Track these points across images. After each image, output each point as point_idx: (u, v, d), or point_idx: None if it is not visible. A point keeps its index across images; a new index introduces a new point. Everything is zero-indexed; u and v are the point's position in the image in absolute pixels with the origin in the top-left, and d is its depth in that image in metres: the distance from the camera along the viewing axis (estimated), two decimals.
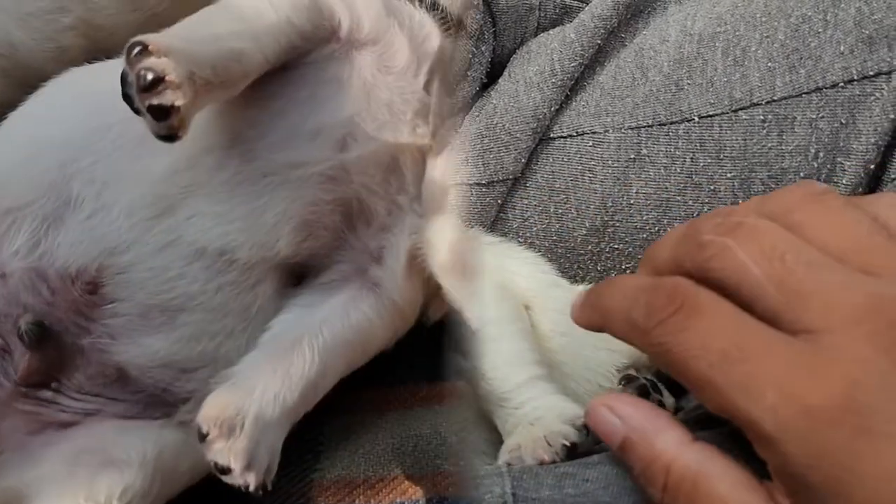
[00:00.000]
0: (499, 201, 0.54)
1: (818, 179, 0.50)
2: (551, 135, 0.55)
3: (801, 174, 0.50)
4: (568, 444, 0.38)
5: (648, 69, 0.54)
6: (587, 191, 0.54)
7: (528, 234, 0.55)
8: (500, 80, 0.58)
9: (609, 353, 0.48)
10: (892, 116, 0.48)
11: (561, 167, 0.55)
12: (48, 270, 0.38)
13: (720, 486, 0.25)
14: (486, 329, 0.43)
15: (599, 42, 0.55)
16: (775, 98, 0.51)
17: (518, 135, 0.54)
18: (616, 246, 0.54)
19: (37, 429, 0.38)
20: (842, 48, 0.49)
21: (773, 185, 0.51)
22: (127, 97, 0.32)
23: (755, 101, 0.51)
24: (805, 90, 0.50)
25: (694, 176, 0.52)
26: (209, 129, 0.38)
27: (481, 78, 0.57)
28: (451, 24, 0.40)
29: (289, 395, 0.36)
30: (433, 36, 0.40)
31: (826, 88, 0.49)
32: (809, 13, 0.50)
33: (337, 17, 0.39)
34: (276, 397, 0.36)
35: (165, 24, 0.35)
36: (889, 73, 0.48)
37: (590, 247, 0.54)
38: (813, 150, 0.50)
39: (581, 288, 0.53)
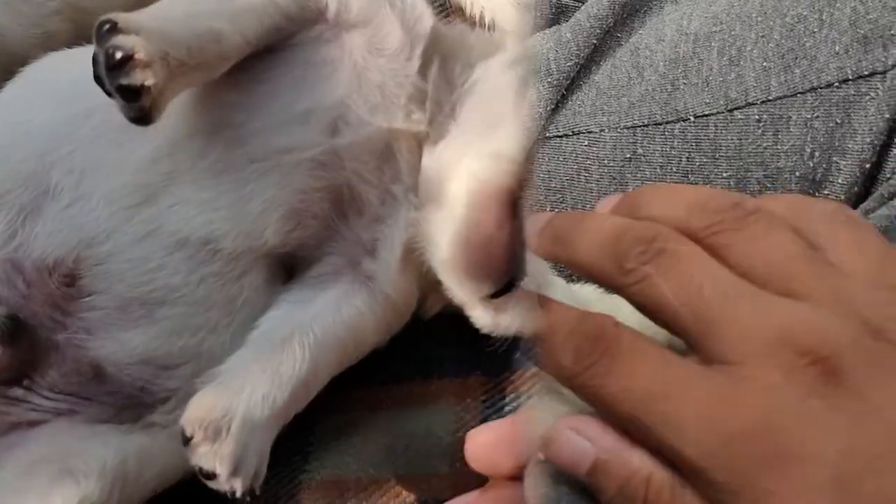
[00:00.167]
0: None
1: (814, 179, 0.50)
2: (547, 134, 0.54)
3: (797, 173, 0.50)
4: None
5: (644, 68, 0.53)
6: (583, 190, 0.53)
7: None
8: None
9: None
10: (887, 116, 0.48)
11: (557, 166, 0.54)
12: (24, 262, 0.36)
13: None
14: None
15: (595, 42, 0.54)
16: (770, 98, 0.50)
17: None
18: None
19: (3, 430, 0.37)
20: (837, 48, 0.49)
21: (768, 185, 0.51)
22: (98, 79, 0.31)
23: (750, 100, 0.51)
24: (800, 90, 0.50)
25: (690, 175, 0.52)
26: (192, 114, 0.36)
27: None
28: (449, 10, 0.39)
29: (278, 396, 0.34)
30: (425, 17, 0.39)
31: (821, 88, 0.49)
32: (805, 13, 0.50)
33: None
34: (266, 398, 0.34)
35: None
36: (884, 72, 0.47)
37: None
38: (808, 150, 0.50)
39: (577, 287, 0.52)
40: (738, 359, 0.26)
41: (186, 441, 0.33)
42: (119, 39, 0.30)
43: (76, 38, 0.44)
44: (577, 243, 0.29)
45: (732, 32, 0.52)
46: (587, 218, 0.30)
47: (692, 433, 0.25)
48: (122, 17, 0.30)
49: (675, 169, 0.52)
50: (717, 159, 0.52)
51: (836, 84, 0.49)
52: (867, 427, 0.24)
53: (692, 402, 0.26)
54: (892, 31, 0.48)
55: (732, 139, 0.51)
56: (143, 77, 0.30)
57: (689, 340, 0.27)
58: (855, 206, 0.49)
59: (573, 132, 0.54)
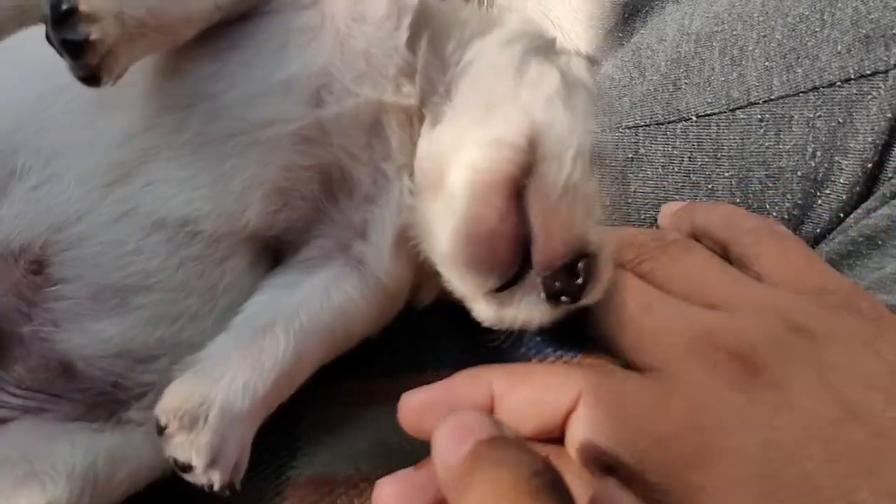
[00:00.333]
0: None
1: (815, 178, 0.49)
2: None
3: (799, 173, 0.49)
4: None
5: (646, 68, 0.53)
6: None
7: None
8: None
9: None
10: (889, 115, 0.47)
11: None
12: None
13: None
14: None
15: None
16: (772, 97, 0.50)
17: None
18: None
19: None
20: (839, 47, 0.49)
21: (770, 184, 0.50)
22: (48, 37, 0.29)
23: (752, 100, 0.50)
24: (802, 89, 0.49)
25: (692, 175, 0.51)
26: (167, 87, 0.34)
27: None
28: None
29: (260, 385, 0.32)
30: None
31: (823, 87, 0.49)
32: (806, 12, 0.50)
33: None
34: (246, 386, 0.32)
35: None
36: (886, 72, 0.47)
37: None
38: (810, 150, 0.49)
39: None
40: (664, 363, 0.27)
41: (161, 431, 0.30)
42: None
43: None
44: None
45: (734, 32, 0.52)
46: None
47: (628, 440, 0.27)
48: None
49: (676, 169, 0.51)
50: (718, 159, 0.51)
51: (839, 83, 0.49)
52: (784, 418, 0.25)
53: (629, 410, 0.27)
54: (893, 31, 0.48)
55: (734, 139, 0.51)
56: (87, 31, 0.28)
57: (629, 358, 0.29)
58: (857, 206, 0.48)
59: None
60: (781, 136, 0.50)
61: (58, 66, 0.32)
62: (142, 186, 0.34)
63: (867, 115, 0.48)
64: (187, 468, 0.30)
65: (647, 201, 0.51)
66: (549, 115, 0.33)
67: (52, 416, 0.35)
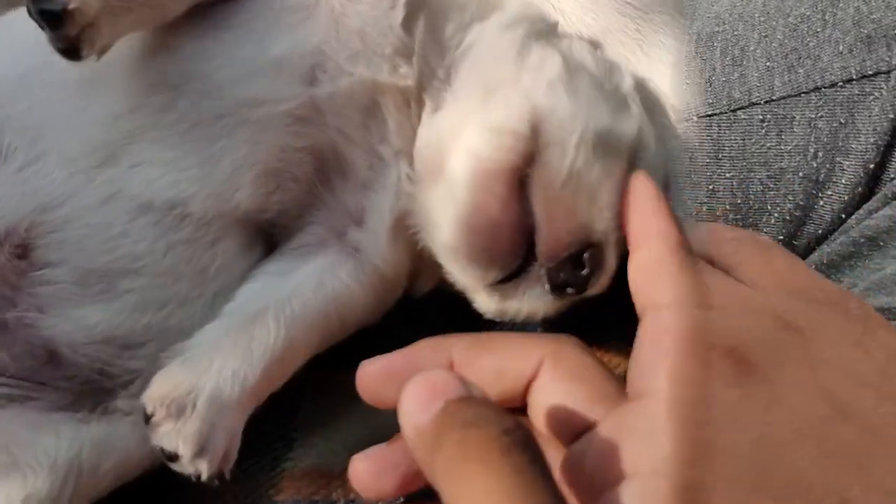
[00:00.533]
0: None
1: (817, 179, 0.49)
2: None
3: (800, 174, 0.49)
4: None
5: None
6: None
7: None
8: None
9: None
10: (891, 116, 0.47)
11: None
12: None
13: None
14: None
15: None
16: (774, 98, 0.50)
17: None
18: None
19: None
20: (840, 48, 0.49)
21: (771, 185, 0.49)
22: (28, 9, 0.29)
23: (754, 100, 0.50)
24: (804, 90, 0.49)
25: (693, 175, 0.51)
26: (155, 66, 0.34)
27: None
28: None
29: (250, 373, 0.31)
30: None
31: (825, 88, 0.49)
32: (808, 13, 0.50)
33: None
34: (236, 375, 0.31)
35: None
36: (888, 72, 0.47)
37: None
38: (812, 150, 0.49)
39: None
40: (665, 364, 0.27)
41: (147, 419, 0.30)
42: None
43: None
44: None
45: (735, 32, 0.52)
46: None
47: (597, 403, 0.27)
48: None
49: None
50: (720, 159, 0.51)
51: (840, 84, 0.48)
52: (776, 415, 0.25)
53: (591, 375, 0.28)
54: (895, 31, 0.48)
55: (736, 139, 0.51)
56: (65, 1, 0.28)
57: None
58: (858, 207, 0.48)
59: None
60: (783, 137, 0.50)
61: (44, 44, 0.31)
62: (128, 168, 0.33)
63: (869, 116, 0.48)
64: (174, 457, 0.29)
65: None
66: (552, 100, 0.32)
67: (38, 404, 0.34)
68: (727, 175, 0.50)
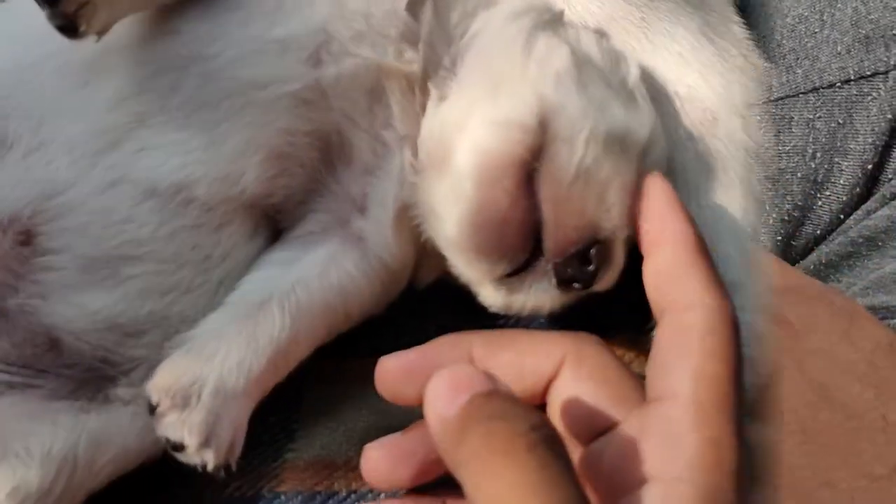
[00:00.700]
0: None
1: (815, 179, 0.49)
2: None
3: (799, 174, 0.49)
4: None
5: None
6: None
7: None
8: None
9: None
10: (889, 116, 0.48)
11: None
12: None
13: None
14: None
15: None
16: (772, 98, 0.50)
17: None
18: None
19: None
20: (839, 48, 0.49)
21: (769, 186, 0.50)
22: None
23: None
24: (802, 90, 0.50)
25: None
26: (159, 48, 0.33)
27: None
28: None
29: (255, 363, 0.31)
30: None
31: (823, 88, 0.49)
32: (806, 13, 0.50)
33: None
34: (241, 365, 0.31)
35: None
36: (886, 72, 0.48)
37: None
38: (810, 151, 0.49)
39: None
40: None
41: (152, 410, 0.29)
42: None
43: None
44: None
45: None
46: None
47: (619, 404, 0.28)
48: None
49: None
50: None
51: (838, 84, 0.49)
52: None
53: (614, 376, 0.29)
54: (893, 31, 0.48)
55: None
56: None
57: None
58: (857, 207, 0.48)
59: None
60: (781, 138, 0.50)
61: (49, 33, 0.31)
62: (133, 152, 0.33)
63: (867, 116, 0.48)
64: (180, 447, 0.29)
65: None
66: (560, 94, 0.32)
67: (38, 393, 0.33)
68: None
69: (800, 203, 0.49)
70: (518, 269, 0.32)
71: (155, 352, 0.32)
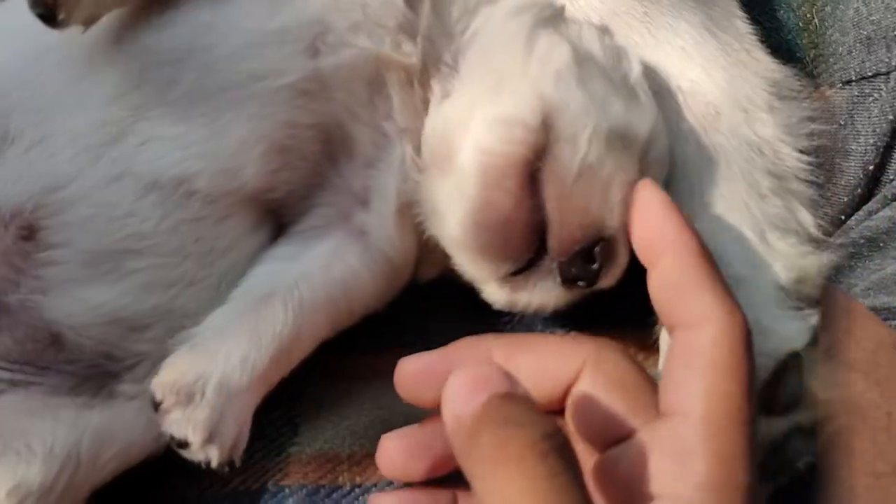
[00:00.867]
0: None
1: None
2: None
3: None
4: None
5: None
6: None
7: None
8: None
9: None
10: (890, 117, 0.47)
11: None
12: None
13: None
14: None
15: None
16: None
17: None
18: None
19: None
20: (840, 49, 0.49)
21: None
22: None
23: None
24: None
25: None
26: (158, 41, 0.33)
27: None
28: None
29: (258, 359, 0.31)
30: None
31: None
32: (807, 14, 0.50)
33: None
34: (244, 361, 0.31)
35: None
36: (887, 73, 0.48)
37: None
38: None
39: None
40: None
41: (156, 406, 0.29)
42: None
43: None
44: None
45: None
46: None
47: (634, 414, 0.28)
48: None
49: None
50: None
51: (839, 85, 0.49)
52: None
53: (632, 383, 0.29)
54: (894, 32, 0.48)
55: None
56: None
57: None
58: (857, 208, 0.48)
59: None
60: None
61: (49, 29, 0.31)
62: (135, 146, 0.33)
63: (868, 117, 0.48)
64: (184, 444, 0.29)
65: None
66: (562, 92, 0.32)
67: (41, 389, 0.33)
68: None
69: None
70: (522, 267, 0.32)
71: (158, 347, 0.32)
